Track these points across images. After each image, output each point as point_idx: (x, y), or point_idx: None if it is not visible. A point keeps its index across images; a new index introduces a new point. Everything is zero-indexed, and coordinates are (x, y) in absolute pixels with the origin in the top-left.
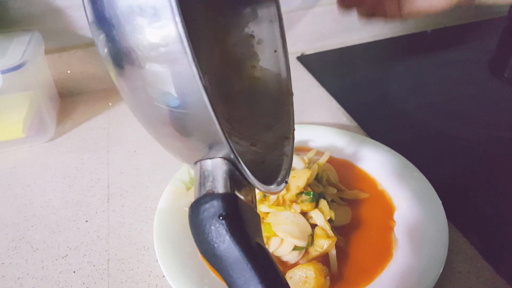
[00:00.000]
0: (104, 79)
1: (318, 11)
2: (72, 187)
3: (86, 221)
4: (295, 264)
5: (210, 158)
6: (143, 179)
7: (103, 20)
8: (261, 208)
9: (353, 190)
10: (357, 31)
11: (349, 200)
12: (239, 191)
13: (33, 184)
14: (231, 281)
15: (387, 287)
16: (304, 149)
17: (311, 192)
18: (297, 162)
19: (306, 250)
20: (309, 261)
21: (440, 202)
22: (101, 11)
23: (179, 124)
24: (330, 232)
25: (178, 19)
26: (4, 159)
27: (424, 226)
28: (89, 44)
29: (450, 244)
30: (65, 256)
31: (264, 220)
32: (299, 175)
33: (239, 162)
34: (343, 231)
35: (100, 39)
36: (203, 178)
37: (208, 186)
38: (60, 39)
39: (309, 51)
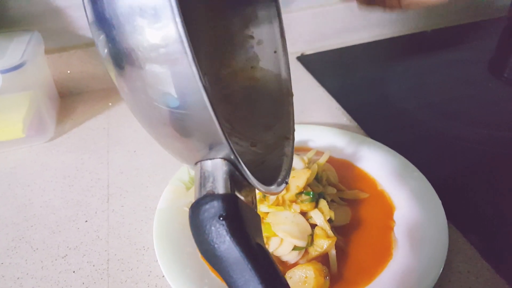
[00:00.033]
0: (104, 79)
1: (318, 11)
2: (72, 187)
3: (86, 221)
4: (294, 264)
5: (210, 159)
6: (143, 179)
7: (103, 20)
8: (261, 208)
9: (353, 190)
10: (357, 31)
11: (349, 200)
12: (239, 191)
13: (33, 184)
14: (231, 281)
15: (387, 287)
16: (304, 149)
17: (311, 192)
18: (297, 162)
19: (305, 250)
20: (309, 261)
21: (440, 202)
22: (101, 11)
23: (179, 125)
24: (330, 232)
25: (178, 19)
26: (4, 159)
27: (424, 226)
28: (89, 44)
29: (450, 244)
30: (65, 256)
31: (264, 220)
32: (299, 175)
33: (239, 163)
34: (343, 231)
35: (100, 40)
36: (203, 178)
37: (209, 187)
38: (60, 39)
39: (309, 51)
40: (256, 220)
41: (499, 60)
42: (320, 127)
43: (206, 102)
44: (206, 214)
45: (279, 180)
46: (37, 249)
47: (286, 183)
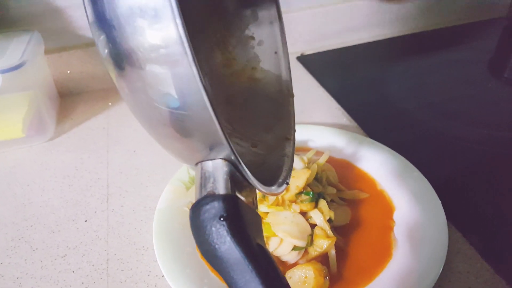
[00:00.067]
0: (104, 79)
1: (318, 11)
2: (72, 186)
3: (86, 220)
4: (294, 264)
5: (211, 159)
6: (143, 179)
7: (103, 21)
8: (261, 208)
9: (352, 190)
10: (357, 31)
11: (348, 200)
12: (240, 192)
13: (33, 184)
14: (232, 282)
15: (387, 287)
16: (303, 149)
17: (311, 192)
18: (297, 162)
19: (305, 250)
20: (309, 261)
21: (439, 202)
22: (101, 12)
23: (180, 126)
24: (330, 232)
25: (178, 20)
26: (4, 159)
27: (424, 226)
28: (89, 44)
29: (450, 244)
30: (64, 256)
31: (264, 220)
32: (299, 175)
33: (240, 163)
34: (342, 231)
35: (101, 40)
36: (204, 179)
37: (209, 187)
38: (60, 39)
39: (309, 51)
40: (257, 220)
41: (499, 60)
42: (320, 127)
43: (206, 102)
44: (206, 214)
45: (280, 180)
46: (36, 249)
47: (287, 183)
